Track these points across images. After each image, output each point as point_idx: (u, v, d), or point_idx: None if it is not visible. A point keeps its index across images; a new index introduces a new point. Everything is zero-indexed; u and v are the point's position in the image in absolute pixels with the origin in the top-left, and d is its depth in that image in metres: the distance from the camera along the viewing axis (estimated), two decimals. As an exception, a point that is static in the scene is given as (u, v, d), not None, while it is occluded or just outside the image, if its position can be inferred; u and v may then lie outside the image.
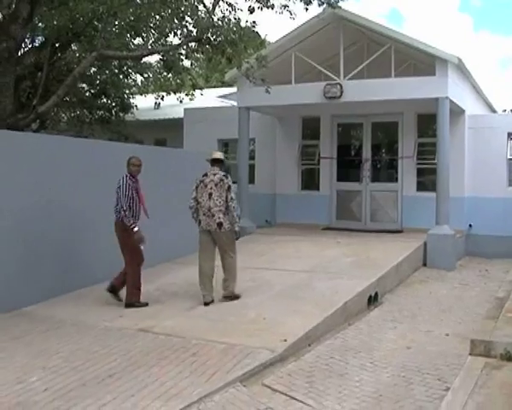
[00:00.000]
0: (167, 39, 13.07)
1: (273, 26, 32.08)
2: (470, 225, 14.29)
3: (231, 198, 8.41)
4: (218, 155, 8.85)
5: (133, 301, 8.26)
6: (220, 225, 8.40)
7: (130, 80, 18.84)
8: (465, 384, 5.26)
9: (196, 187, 8.60)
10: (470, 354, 6.09)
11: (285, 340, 6.64)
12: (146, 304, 8.30)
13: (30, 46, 14.88)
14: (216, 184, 8.45)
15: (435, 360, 6.48)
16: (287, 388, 5.61)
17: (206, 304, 8.28)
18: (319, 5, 12.34)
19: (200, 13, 11.91)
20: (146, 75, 19.05)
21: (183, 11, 11.88)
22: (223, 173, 8.59)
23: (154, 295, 8.83)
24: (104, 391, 5.31)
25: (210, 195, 8.43)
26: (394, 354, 6.78)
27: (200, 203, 8.52)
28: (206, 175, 8.60)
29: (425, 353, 6.79)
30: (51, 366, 5.98)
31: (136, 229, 8.17)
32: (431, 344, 7.17)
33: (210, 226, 8.45)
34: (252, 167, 15.54)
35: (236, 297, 8.51)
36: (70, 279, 9.05)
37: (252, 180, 15.31)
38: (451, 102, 12.71)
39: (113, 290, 8.51)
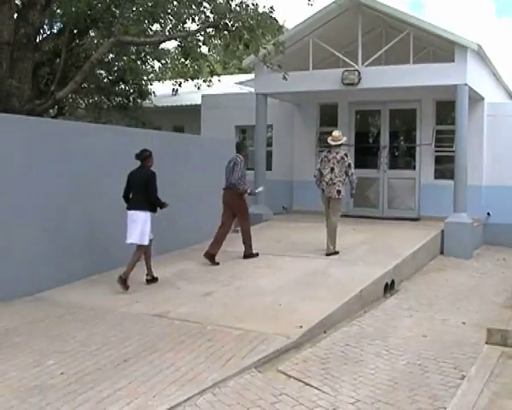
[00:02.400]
0: (185, 25, 13.04)
1: (291, 12, 31.94)
2: (488, 214, 14.16)
3: (352, 173, 10.27)
4: (339, 141, 10.39)
5: (251, 253, 10.15)
6: (339, 192, 10.24)
7: (147, 67, 18.84)
8: (481, 373, 5.22)
9: (321, 161, 10.45)
10: (487, 343, 6.04)
11: (301, 326, 6.65)
12: (257, 254, 10.16)
13: (48, 32, 14.97)
14: (338, 161, 10.23)
15: (451, 349, 6.46)
16: (302, 374, 5.62)
17: (327, 255, 10.10)
18: (337, -9, 12.23)
19: (217, -2, 11.86)
20: (163, 61, 19.06)
21: (200, -3, 11.84)
22: (344, 152, 10.46)
23: (170, 281, 8.91)
24: (120, 375, 5.36)
25: (332, 169, 10.22)
26: (410, 342, 6.76)
27: (322, 175, 10.29)
28: (329, 152, 10.39)
29: (441, 341, 6.77)
30: (68, 350, 6.04)
31: (248, 191, 10.28)
32: (447, 333, 7.15)
33: (330, 193, 10.26)
34: (269, 154, 15.47)
35: (336, 253, 10.18)
36: (86, 265, 9.12)
37: (269, 167, 15.26)
38: (470, 89, 12.56)
39: (211, 257, 9.84)
